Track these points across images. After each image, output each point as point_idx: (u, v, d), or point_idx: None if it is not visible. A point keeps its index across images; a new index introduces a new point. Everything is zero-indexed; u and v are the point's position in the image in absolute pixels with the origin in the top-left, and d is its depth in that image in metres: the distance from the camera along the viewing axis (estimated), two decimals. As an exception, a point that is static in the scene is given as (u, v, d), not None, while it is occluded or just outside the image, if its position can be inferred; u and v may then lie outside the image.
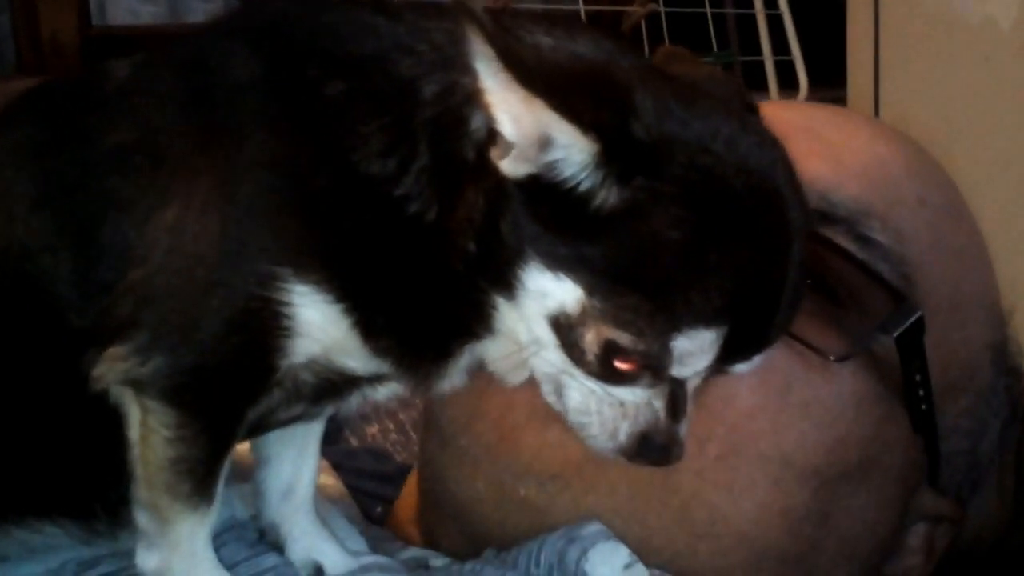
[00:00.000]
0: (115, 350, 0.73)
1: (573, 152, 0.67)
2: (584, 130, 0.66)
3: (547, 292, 0.71)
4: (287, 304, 0.72)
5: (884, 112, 2.94)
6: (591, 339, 0.70)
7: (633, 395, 0.74)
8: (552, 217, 0.69)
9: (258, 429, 0.82)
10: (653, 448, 0.75)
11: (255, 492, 0.90)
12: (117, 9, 3.12)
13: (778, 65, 3.12)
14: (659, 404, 0.74)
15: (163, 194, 0.73)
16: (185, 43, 0.82)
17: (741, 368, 0.75)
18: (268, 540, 0.90)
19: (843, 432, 0.94)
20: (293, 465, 0.90)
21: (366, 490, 1.19)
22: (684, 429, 0.75)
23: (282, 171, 0.74)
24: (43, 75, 2.73)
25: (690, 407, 0.76)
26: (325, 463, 1.08)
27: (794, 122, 0.96)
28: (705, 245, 0.68)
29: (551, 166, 0.68)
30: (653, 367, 0.71)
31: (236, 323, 0.73)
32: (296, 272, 0.72)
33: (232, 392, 0.76)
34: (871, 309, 0.93)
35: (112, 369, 0.74)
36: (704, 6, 3.12)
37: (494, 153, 0.69)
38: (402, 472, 1.23)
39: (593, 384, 0.73)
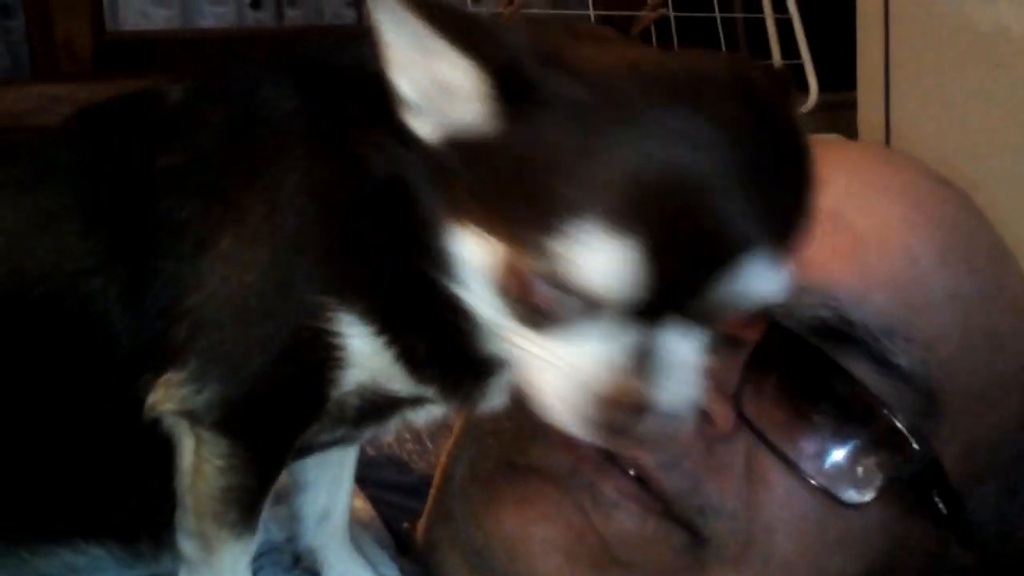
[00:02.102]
0: (170, 376, 0.74)
1: (464, 82, 0.66)
2: (473, 57, 0.65)
3: (469, 253, 0.69)
4: (337, 334, 0.73)
5: (894, 116, 2.95)
6: (505, 276, 0.67)
7: (585, 352, 0.66)
8: (454, 170, 0.68)
9: (300, 453, 0.84)
10: (621, 416, 0.65)
11: (292, 516, 0.92)
12: (129, 13, 3.13)
13: (788, 69, 3.12)
14: (622, 362, 0.65)
15: (218, 221, 0.74)
16: (238, 71, 0.83)
17: (757, 289, 0.64)
18: (304, 565, 0.91)
19: (874, 553, 0.96)
20: (329, 491, 0.92)
21: (391, 502, 1.21)
22: (675, 398, 0.66)
23: (323, 202, 0.74)
24: (57, 80, 2.74)
25: (688, 377, 0.67)
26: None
27: (819, 203, 0.92)
28: (592, 154, 0.63)
29: (447, 110, 0.67)
30: (577, 296, 0.64)
31: (288, 354, 0.73)
32: (342, 301, 0.73)
33: (284, 422, 0.77)
34: (886, 446, 0.92)
35: (167, 397, 0.74)
36: (714, 10, 3.12)
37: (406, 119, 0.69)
38: (424, 483, 1.25)
39: (546, 349, 0.67)
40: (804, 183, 0.67)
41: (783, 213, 0.66)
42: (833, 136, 1.22)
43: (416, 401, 0.81)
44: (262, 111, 0.77)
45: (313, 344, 0.73)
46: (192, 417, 0.75)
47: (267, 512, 0.89)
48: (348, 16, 3.32)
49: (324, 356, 0.73)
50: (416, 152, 0.71)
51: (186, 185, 0.76)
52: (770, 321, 0.90)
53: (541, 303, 0.66)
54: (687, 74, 0.66)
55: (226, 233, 0.74)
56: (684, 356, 0.66)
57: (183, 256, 0.75)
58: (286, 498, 0.92)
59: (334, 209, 0.75)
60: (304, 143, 0.75)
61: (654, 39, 2.96)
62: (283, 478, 0.92)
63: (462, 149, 0.68)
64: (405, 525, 1.17)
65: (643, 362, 0.65)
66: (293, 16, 3.29)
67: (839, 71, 3.07)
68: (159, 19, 3.18)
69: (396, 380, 0.77)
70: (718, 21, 3.13)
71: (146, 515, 0.83)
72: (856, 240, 0.96)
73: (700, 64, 0.68)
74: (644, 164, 0.62)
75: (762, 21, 3.12)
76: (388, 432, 0.87)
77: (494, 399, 0.80)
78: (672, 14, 2.97)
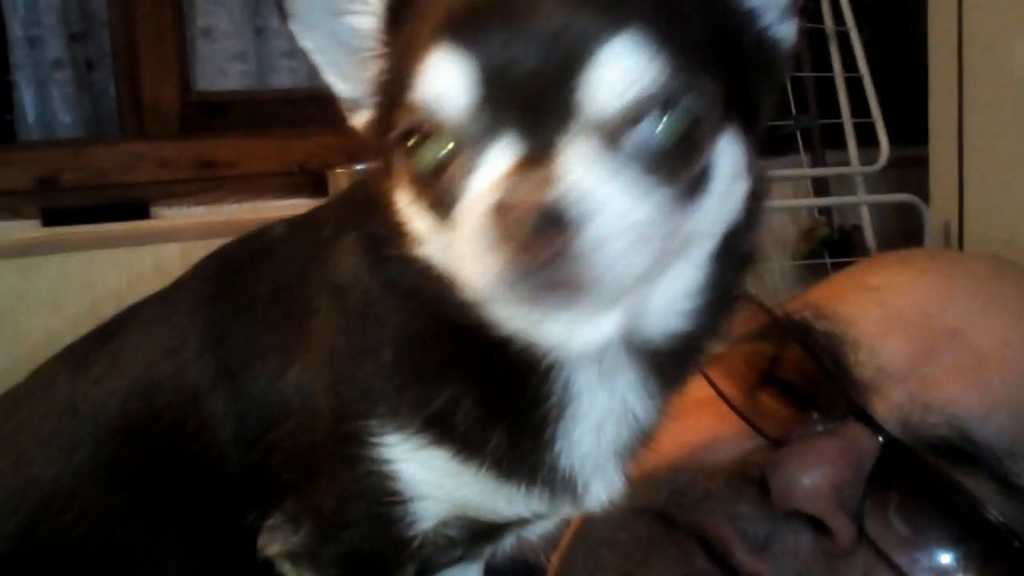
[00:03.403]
0: (273, 520, 0.79)
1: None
2: None
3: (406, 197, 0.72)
4: (386, 461, 0.75)
5: (968, 173, 2.92)
6: (411, 177, 0.70)
7: (472, 195, 0.65)
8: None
9: (421, 574, 0.85)
10: (526, 230, 0.61)
11: None
12: (207, 69, 3.19)
13: (858, 126, 3.12)
14: (495, 179, 0.63)
15: (290, 351, 0.80)
16: (324, 211, 0.90)
17: (606, 82, 0.64)
18: None
19: None
20: None
21: None
22: (570, 187, 0.62)
23: (354, 333, 0.79)
24: (144, 139, 2.84)
25: (576, 168, 0.63)
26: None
27: (938, 320, 0.93)
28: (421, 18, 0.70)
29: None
30: (439, 124, 0.66)
31: (353, 490, 0.76)
32: (382, 422, 0.75)
33: (375, 562, 0.79)
34: (1007, 568, 0.91)
35: (272, 539, 0.79)
36: (783, 69, 3.13)
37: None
38: None
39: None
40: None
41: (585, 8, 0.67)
42: (947, 252, 1.20)
43: (518, 522, 0.82)
44: (329, 251, 0.82)
45: (369, 478, 0.75)
46: (292, 557, 0.79)
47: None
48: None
49: (382, 489, 0.75)
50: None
51: (270, 315, 0.82)
52: (892, 438, 0.91)
53: (407, 130, 0.69)
54: None
55: (296, 363, 0.79)
56: (591, 165, 0.64)
57: (266, 383, 0.80)
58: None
59: (365, 336, 0.78)
60: (355, 282, 0.80)
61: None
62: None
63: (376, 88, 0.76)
64: None
65: (534, 168, 0.63)
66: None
67: (910, 124, 3.06)
68: (236, 74, 3.22)
69: (471, 494, 0.77)
70: (787, 80, 3.14)
71: None
72: (977, 359, 0.96)
73: None
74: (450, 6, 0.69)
75: (832, 79, 3.12)
76: (504, 548, 0.87)
77: (590, 494, 0.79)
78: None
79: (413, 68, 0.69)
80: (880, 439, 0.91)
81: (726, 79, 0.70)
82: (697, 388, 0.94)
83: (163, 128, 2.88)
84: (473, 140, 0.66)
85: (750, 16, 0.75)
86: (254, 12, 3.23)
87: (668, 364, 0.79)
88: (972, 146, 2.88)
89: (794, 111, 3.16)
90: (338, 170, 2.67)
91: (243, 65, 3.22)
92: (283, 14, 0.78)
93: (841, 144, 3.15)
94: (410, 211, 0.73)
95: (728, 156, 0.71)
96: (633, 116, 0.66)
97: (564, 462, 0.78)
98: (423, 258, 0.73)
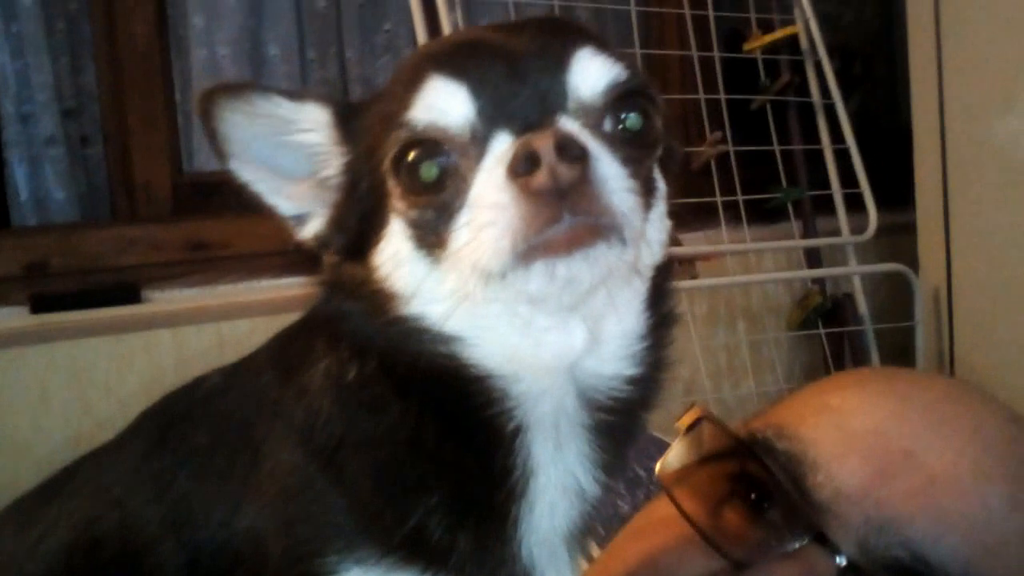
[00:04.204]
0: None
1: (315, 124, 0.87)
2: (313, 99, 0.87)
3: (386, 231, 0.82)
4: None
5: (955, 240, 2.94)
6: (400, 194, 0.80)
7: (480, 188, 0.77)
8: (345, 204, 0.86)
9: None
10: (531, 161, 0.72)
11: None
12: (199, 147, 3.18)
13: (848, 195, 3.15)
14: (507, 165, 0.75)
15: (237, 497, 0.84)
16: (257, 359, 0.93)
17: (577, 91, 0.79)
18: None
19: None
20: None
21: None
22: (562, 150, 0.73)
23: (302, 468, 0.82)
24: (135, 222, 2.84)
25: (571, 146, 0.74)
26: None
27: (893, 442, 0.98)
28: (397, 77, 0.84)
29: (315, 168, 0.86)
30: (435, 140, 0.77)
31: None
32: (340, 557, 0.78)
33: None
34: None
35: None
36: (772, 142, 3.17)
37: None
38: None
39: (467, 228, 0.77)
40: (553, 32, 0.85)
41: (557, 34, 0.83)
42: (903, 372, 1.27)
43: None
44: (277, 400, 0.88)
45: None
46: None
47: None
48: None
49: None
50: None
51: (211, 464, 0.86)
52: (849, 562, 0.94)
53: (430, 191, 0.78)
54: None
55: (244, 507, 0.81)
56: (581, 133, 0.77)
57: (217, 529, 0.82)
58: None
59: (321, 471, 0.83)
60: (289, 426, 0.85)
61: (714, 173, 3.01)
62: None
63: (333, 189, 0.86)
64: None
65: (526, 158, 0.74)
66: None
67: (898, 191, 3.09)
68: None
69: None
70: (777, 154, 3.17)
71: None
72: (929, 481, 0.98)
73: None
74: (429, 49, 0.85)
75: (821, 151, 3.16)
76: None
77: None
78: (732, 149, 3.02)
79: (399, 109, 0.79)
80: (838, 561, 0.93)
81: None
82: (663, 506, 1.04)
83: (155, 210, 2.87)
84: (476, 141, 0.77)
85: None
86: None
87: (611, 434, 0.88)
88: (958, 214, 2.92)
89: (784, 182, 3.19)
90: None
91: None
92: (221, 157, 0.87)
93: (832, 210, 3.18)
94: (395, 262, 0.81)
95: (662, 181, 0.87)
96: (607, 103, 0.81)
97: (524, 551, 0.83)
98: (409, 318, 0.81)
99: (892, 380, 1.07)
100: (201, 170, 3.06)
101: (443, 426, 0.80)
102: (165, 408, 0.94)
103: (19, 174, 2.90)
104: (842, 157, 3.15)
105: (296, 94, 0.88)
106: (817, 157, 3.19)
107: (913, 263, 3.06)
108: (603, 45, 0.83)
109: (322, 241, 0.88)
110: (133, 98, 2.86)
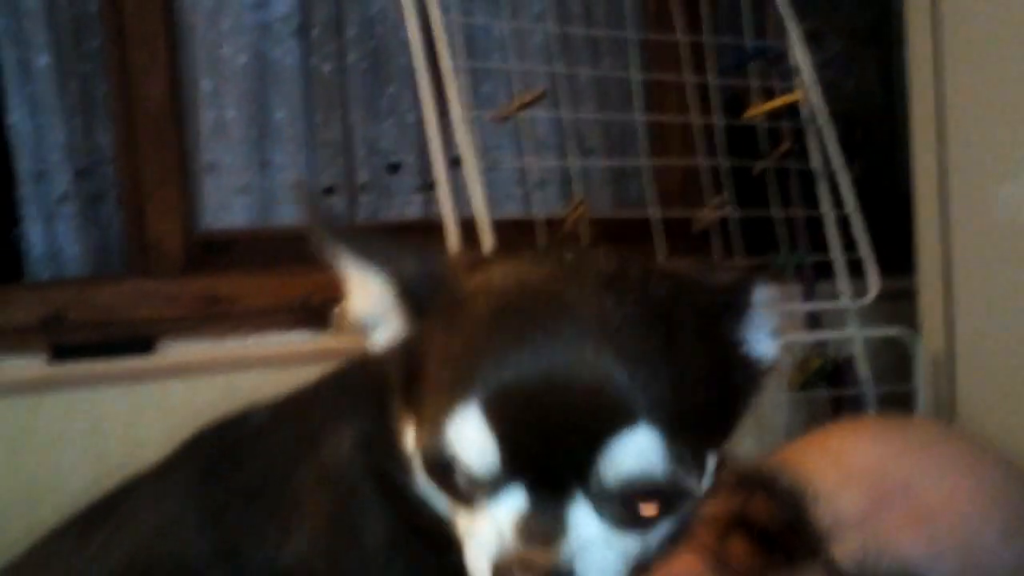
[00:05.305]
0: None
1: (382, 293, 0.88)
2: (386, 275, 0.88)
3: (410, 443, 0.85)
4: None
5: (957, 306, 2.96)
6: (425, 460, 0.81)
7: (486, 524, 0.79)
8: (395, 370, 0.87)
9: None
10: None
11: None
12: (211, 203, 3.22)
13: (849, 259, 3.18)
14: (508, 530, 0.78)
15: (286, 527, 0.84)
16: (302, 398, 0.97)
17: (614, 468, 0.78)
18: None
19: None
20: None
21: None
22: (580, 565, 0.77)
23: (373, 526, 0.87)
24: (148, 276, 2.89)
25: (595, 549, 0.77)
26: None
27: (890, 475, 1.01)
28: (448, 348, 0.82)
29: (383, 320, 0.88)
30: (464, 473, 0.79)
31: None
32: None
33: None
34: None
35: None
36: (772, 207, 3.21)
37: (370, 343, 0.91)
38: None
39: (471, 523, 0.80)
40: (625, 381, 0.81)
41: (603, 406, 0.80)
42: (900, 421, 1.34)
43: None
44: (320, 446, 0.93)
45: None
46: None
47: None
48: (416, 202, 3.43)
49: None
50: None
51: (263, 499, 0.91)
52: None
53: (453, 481, 0.80)
54: (544, 300, 0.84)
55: (292, 535, 0.87)
56: (588, 529, 0.79)
57: (268, 555, 0.87)
58: None
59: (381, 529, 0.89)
60: (351, 467, 0.91)
61: (715, 235, 3.05)
62: None
63: (394, 352, 0.88)
64: None
65: (544, 531, 0.77)
66: (365, 202, 3.38)
67: (900, 256, 3.12)
68: (239, 207, 3.23)
69: None
70: (775, 219, 3.21)
71: None
72: (927, 510, 1.01)
73: (564, 288, 0.86)
74: (493, 373, 0.80)
75: (821, 217, 3.19)
76: None
77: None
78: (732, 215, 3.06)
79: (445, 400, 0.80)
80: None
81: (713, 415, 0.89)
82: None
83: (167, 266, 2.92)
84: (493, 483, 0.79)
85: (741, 343, 0.92)
86: (258, 146, 3.28)
87: None
88: (960, 279, 2.94)
89: (786, 246, 3.22)
90: (338, 307, 2.71)
91: (247, 199, 3.26)
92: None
93: (832, 273, 3.21)
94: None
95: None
96: (627, 495, 0.81)
97: None
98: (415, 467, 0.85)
99: (888, 425, 1.11)
100: (213, 228, 3.12)
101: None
102: (215, 438, 0.99)
103: (33, 232, 2.96)
104: (843, 222, 3.19)
105: (359, 256, 0.92)
106: (819, 221, 3.22)
107: (915, 327, 3.08)
108: (657, 410, 0.81)
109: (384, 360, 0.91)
110: (147, 157, 2.93)
